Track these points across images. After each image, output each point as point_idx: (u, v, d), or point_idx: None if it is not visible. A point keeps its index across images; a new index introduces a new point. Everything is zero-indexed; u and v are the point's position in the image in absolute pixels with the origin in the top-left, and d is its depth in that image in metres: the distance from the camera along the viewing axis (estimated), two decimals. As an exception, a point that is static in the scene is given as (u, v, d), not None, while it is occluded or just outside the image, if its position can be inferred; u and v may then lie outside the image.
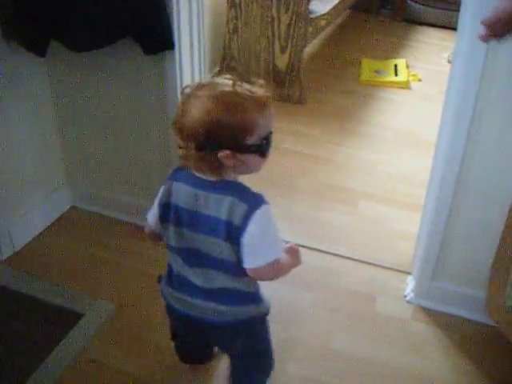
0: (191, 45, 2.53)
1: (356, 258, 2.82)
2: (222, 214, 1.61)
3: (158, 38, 2.39)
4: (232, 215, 1.60)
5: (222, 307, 1.76)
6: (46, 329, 2.43)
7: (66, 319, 2.46)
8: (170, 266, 1.82)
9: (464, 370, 2.31)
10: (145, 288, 2.55)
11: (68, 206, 3.09)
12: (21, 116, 2.68)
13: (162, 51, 2.43)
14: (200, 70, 2.65)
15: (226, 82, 1.60)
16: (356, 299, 2.60)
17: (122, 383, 2.22)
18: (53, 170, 2.97)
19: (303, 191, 3.31)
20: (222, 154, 1.56)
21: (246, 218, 1.60)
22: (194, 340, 2.07)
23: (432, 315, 2.54)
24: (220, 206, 1.61)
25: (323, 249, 2.87)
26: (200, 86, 1.61)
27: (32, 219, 2.88)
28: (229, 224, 1.61)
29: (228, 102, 1.55)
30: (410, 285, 2.64)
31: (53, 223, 2.99)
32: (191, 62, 2.57)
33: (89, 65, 2.64)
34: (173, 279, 1.80)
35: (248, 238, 1.61)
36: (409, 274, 2.70)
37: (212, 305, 1.75)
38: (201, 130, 1.54)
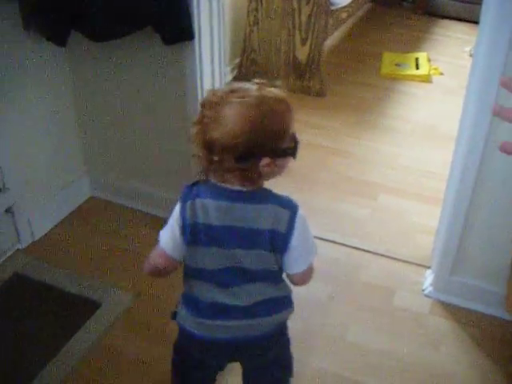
0: (211, 36, 2.53)
1: (375, 251, 2.81)
2: (265, 224, 1.53)
3: (177, 28, 2.38)
4: (277, 223, 1.53)
5: (268, 318, 1.68)
6: (63, 317, 2.45)
7: (84, 308, 2.48)
8: (190, 297, 1.66)
9: (481, 366, 2.30)
10: (163, 278, 2.55)
11: (87, 196, 3.10)
12: (41, 106, 2.70)
13: (181, 41, 2.43)
14: (220, 61, 2.65)
15: (251, 86, 1.51)
16: (374, 292, 2.60)
17: (138, 372, 2.23)
18: (72, 160, 2.98)
19: (323, 184, 3.30)
20: (264, 162, 1.48)
21: (291, 223, 1.54)
22: (216, 366, 1.92)
23: (450, 309, 2.52)
24: (261, 216, 1.53)
25: (342, 242, 2.87)
26: (226, 94, 1.48)
27: (51, 208, 2.90)
28: (273, 233, 1.53)
29: (266, 108, 1.46)
30: (428, 279, 2.62)
31: (72, 213, 3.00)
32: (211, 52, 2.57)
33: (108, 55, 2.65)
34: (201, 308, 1.64)
35: (295, 243, 1.56)
36: (428, 268, 2.69)
37: (257, 320, 1.66)
38: (241, 140, 1.42)
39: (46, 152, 2.80)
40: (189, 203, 1.53)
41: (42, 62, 2.63)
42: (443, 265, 2.50)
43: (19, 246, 2.77)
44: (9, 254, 2.73)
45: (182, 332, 1.72)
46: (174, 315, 1.71)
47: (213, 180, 1.53)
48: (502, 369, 2.28)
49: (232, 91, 1.49)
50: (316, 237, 2.82)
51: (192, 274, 1.62)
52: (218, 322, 1.64)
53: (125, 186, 3.01)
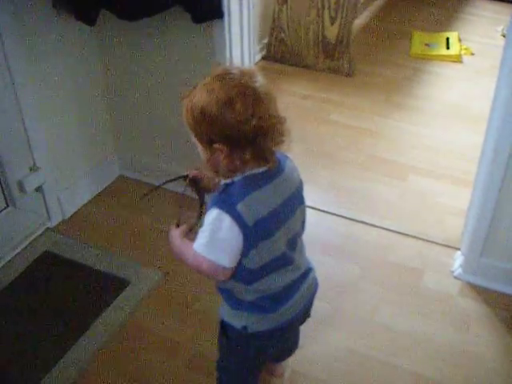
0: (241, 14, 2.51)
1: (404, 232, 2.79)
2: (296, 181, 1.61)
3: (207, 7, 2.37)
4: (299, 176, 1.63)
5: (313, 270, 1.76)
6: (93, 295, 2.48)
7: (114, 286, 2.51)
8: (265, 297, 1.63)
9: (511, 349, 2.28)
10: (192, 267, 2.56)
11: (116, 175, 3.12)
12: (71, 86, 2.71)
13: (211, 20, 2.41)
14: (249, 40, 2.63)
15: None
16: (403, 273, 2.58)
17: (166, 349, 2.25)
18: (102, 139, 3.00)
19: (352, 164, 3.28)
20: None
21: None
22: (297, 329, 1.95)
23: (480, 292, 2.51)
24: (290, 179, 1.59)
25: (372, 222, 2.85)
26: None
27: (81, 187, 2.92)
28: (300, 187, 1.63)
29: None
30: (458, 260, 2.60)
31: (101, 192, 3.03)
32: (240, 31, 2.55)
33: (138, 34, 2.64)
34: (282, 297, 1.65)
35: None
36: (457, 249, 2.66)
37: (312, 273, 1.75)
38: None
39: (75, 131, 2.82)
40: (239, 207, 1.47)
41: (72, 42, 2.64)
42: (473, 247, 2.48)
43: (49, 225, 2.80)
44: (39, 232, 2.75)
45: (262, 335, 1.69)
46: (245, 329, 1.66)
47: (237, 176, 1.51)
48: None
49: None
50: (345, 217, 2.85)
51: (262, 271, 1.59)
52: (295, 299, 1.68)
53: (154, 166, 3.01)
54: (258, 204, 1.50)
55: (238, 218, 1.47)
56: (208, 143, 1.47)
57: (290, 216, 1.59)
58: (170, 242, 1.68)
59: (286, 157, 1.59)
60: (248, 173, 1.49)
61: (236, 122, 1.40)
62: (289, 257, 1.62)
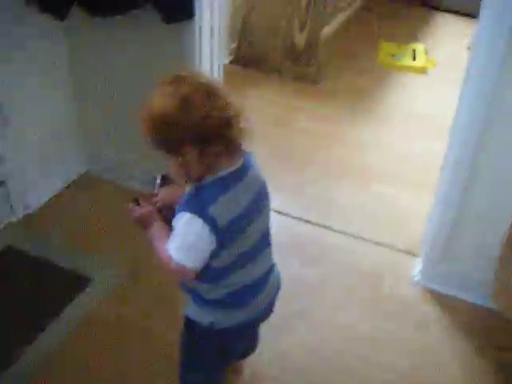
0: (211, 16, 2.52)
1: (366, 237, 2.83)
2: (261, 177, 1.64)
3: (177, 7, 2.38)
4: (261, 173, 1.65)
5: (275, 264, 1.79)
6: (56, 291, 2.46)
7: (76, 283, 2.49)
8: (234, 294, 1.65)
9: (466, 353, 2.33)
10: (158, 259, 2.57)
11: (83, 171, 3.11)
12: (37, 79, 2.70)
13: (181, 20, 2.42)
14: (219, 41, 2.65)
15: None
16: (364, 278, 2.62)
17: (139, 339, 2.27)
18: (68, 134, 2.98)
19: (315, 168, 3.31)
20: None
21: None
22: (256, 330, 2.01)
23: (439, 298, 2.55)
24: (256, 175, 1.62)
25: (334, 227, 2.89)
26: None
27: (45, 182, 2.90)
28: (265, 182, 1.65)
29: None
30: (418, 267, 2.64)
31: (67, 187, 3.01)
32: (210, 33, 2.56)
33: (107, 32, 2.65)
34: (249, 293, 1.68)
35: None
36: (418, 256, 2.71)
37: (276, 269, 1.78)
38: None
39: (41, 126, 2.80)
40: (211, 210, 1.48)
41: (41, 35, 2.63)
42: (432, 254, 2.53)
43: (12, 219, 2.77)
44: (1, 226, 2.73)
45: (230, 331, 1.71)
46: (212, 326, 1.68)
47: (208, 178, 1.52)
48: (488, 358, 2.31)
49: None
50: (307, 221, 2.87)
51: (229, 269, 1.61)
52: (262, 294, 1.71)
53: (121, 162, 3.01)
54: (229, 205, 1.52)
55: (210, 222, 1.48)
56: (176, 149, 1.47)
57: (260, 212, 1.62)
58: (139, 222, 1.69)
59: (249, 152, 1.61)
60: (218, 175, 1.51)
61: (198, 119, 1.42)
62: (256, 253, 1.65)
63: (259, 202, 1.62)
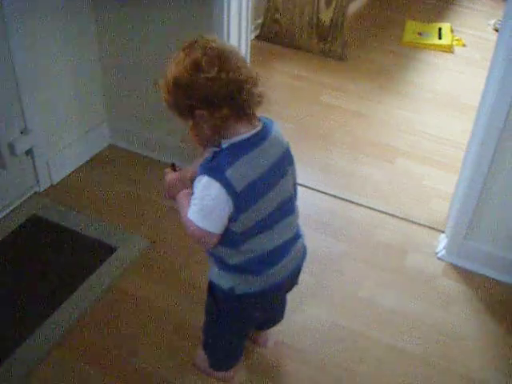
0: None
1: (390, 212, 2.82)
2: (284, 143, 1.64)
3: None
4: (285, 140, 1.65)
5: (302, 236, 1.79)
6: (79, 260, 2.48)
7: (100, 252, 2.51)
8: (253, 259, 1.65)
9: (489, 330, 2.32)
10: (179, 226, 2.57)
11: (106, 144, 3.12)
12: (65, 52, 2.70)
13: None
14: (247, 17, 2.65)
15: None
16: (388, 252, 2.62)
17: (150, 315, 2.27)
18: (93, 107, 2.99)
19: (341, 145, 3.30)
20: None
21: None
22: (283, 297, 1.99)
23: (462, 273, 2.54)
24: (278, 139, 1.62)
25: (358, 201, 2.88)
26: None
27: (71, 154, 2.92)
28: (288, 148, 1.65)
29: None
30: (442, 242, 2.63)
31: (91, 159, 3.03)
32: (239, 8, 2.56)
33: (136, 7, 2.65)
34: (269, 260, 1.67)
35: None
36: (442, 232, 2.70)
37: (301, 240, 1.78)
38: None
39: (68, 97, 2.81)
40: (228, 173, 1.50)
41: (68, 9, 2.63)
42: (457, 229, 2.52)
43: (37, 189, 2.80)
44: (27, 195, 2.75)
45: (249, 297, 1.72)
46: (233, 291, 1.69)
47: (224, 143, 1.54)
48: (510, 335, 2.30)
49: None
50: (333, 195, 2.87)
51: (248, 234, 1.61)
52: (283, 262, 1.70)
53: (144, 135, 3.02)
54: (247, 168, 1.53)
55: (227, 185, 1.50)
56: (189, 113, 1.51)
57: (281, 177, 1.62)
58: (169, 188, 1.74)
59: (272, 121, 1.63)
60: (234, 140, 1.53)
61: (207, 81, 1.45)
62: (277, 219, 1.65)
63: (281, 168, 1.62)
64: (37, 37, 2.54)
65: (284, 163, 1.63)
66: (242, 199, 1.53)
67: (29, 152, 2.68)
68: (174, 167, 1.76)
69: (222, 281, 1.70)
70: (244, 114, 1.51)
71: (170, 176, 1.74)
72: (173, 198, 1.73)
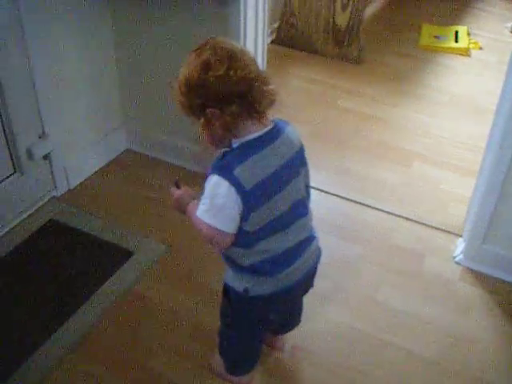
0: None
1: (407, 216, 2.81)
2: (297, 143, 1.64)
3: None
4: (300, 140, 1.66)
5: (317, 238, 1.79)
6: (97, 264, 2.49)
7: (117, 256, 2.52)
8: (266, 261, 1.65)
9: (508, 334, 2.30)
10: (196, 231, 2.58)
11: (123, 148, 3.13)
12: (82, 56, 2.72)
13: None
14: (264, 21, 2.65)
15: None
16: (405, 256, 2.60)
17: (167, 319, 2.27)
18: (110, 111, 3.01)
19: (358, 149, 3.30)
20: None
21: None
22: (298, 300, 2.01)
23: (480, 278, 2.53)
24: (290, 140, 1.62)
25: (375, 205, 2.87)
26: None
27: (88, 158, 2.93)
28: (302, 149, 1.66)
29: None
30: (459, 247, 2.62)
31: (108, 163, 3.04)
32: (255, 11, 2.57)
33: (152, 8, 2.66)
34: (283, 261, 1.67)
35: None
36: (459, 236, 2.69)
37: (315, 242, 1.78)
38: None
39: (85, 102, 2.83)
40: (237, 172, 1.51)
41: (84, 12, 2.65)
42: (475, 233, 2.50)
43: (55, 193, 2.81)
44: (45, 200, 2.77)
45: (263, 299, 1.71)
46: (247, 293, 1.69)
47: (235, 142, 1.56)
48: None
49: None
50: (349, 199, 2.87)
51: (260, 234, 1.62)
52: (297, 264, 1.70)
53: (162, 140, 3.03)
54: (256, 168, 1.54)
55: (235, 183, 1.51)
56: (201, 112, 1.53)
57: (293, 177, 1.62)
58: (178, 203, 1.75)
59: (287, 123, 1.64)
60: (244, 139, 1.54)
61: (216, 79, 1.47)
62: (290, 220, 1.65)
63: (293, 168, 1.62)
64: (54, 41, 2.55)
65: (296, 164, 1.63)
66: (251, 198, 1.54)
67: (46, 157, 2.70)
68: (177, 184, 1.77)
69: (236, 283, 1.71)
70: (255, 111, 1.52)
71: (177, 192, 1.74)
72: (183, 212, 1.74)
